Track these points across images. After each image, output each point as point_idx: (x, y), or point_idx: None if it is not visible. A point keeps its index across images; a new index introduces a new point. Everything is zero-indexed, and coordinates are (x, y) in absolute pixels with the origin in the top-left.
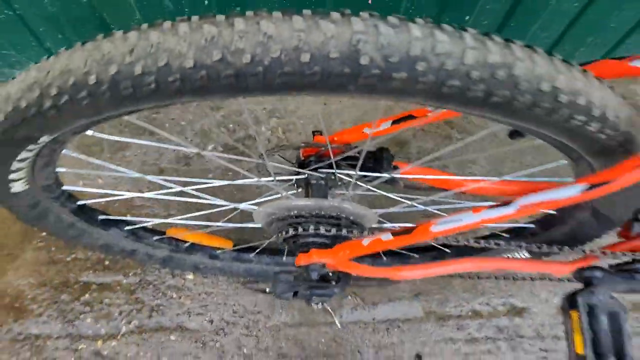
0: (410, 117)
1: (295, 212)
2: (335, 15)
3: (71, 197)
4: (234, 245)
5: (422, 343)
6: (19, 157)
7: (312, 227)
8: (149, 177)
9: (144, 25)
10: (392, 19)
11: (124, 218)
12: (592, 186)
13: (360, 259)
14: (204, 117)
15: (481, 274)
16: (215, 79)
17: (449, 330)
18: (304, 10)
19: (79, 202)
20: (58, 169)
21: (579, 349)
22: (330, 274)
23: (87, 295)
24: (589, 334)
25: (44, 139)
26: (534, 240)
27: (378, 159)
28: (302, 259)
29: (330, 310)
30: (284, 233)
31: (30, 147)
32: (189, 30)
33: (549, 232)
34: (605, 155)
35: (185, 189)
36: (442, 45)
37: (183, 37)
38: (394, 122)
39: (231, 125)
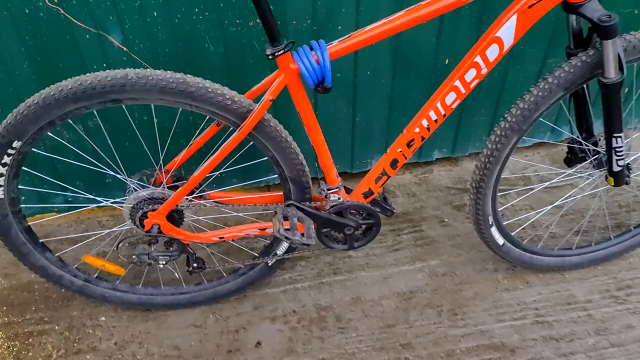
0: None
1: (140, 200)
2: (119, 69)
3: (25, 217)
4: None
5: (260, 335)
6: (2, 161)
7: (150, 205)
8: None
9: None
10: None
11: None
12: (236, 130)
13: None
14: None
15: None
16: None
17: (279, 325)
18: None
19: (29, 223)
20: (20, 186)
21: (277, 228)
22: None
23: (30, 339)
24: (281, 223)
25: (16, 144)
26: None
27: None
28: (146, 224)
29: (171, 269)
30: (138, 215)
31: (9, 151)
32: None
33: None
34: (242, 117)
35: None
36: (146, 73)
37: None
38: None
39: None
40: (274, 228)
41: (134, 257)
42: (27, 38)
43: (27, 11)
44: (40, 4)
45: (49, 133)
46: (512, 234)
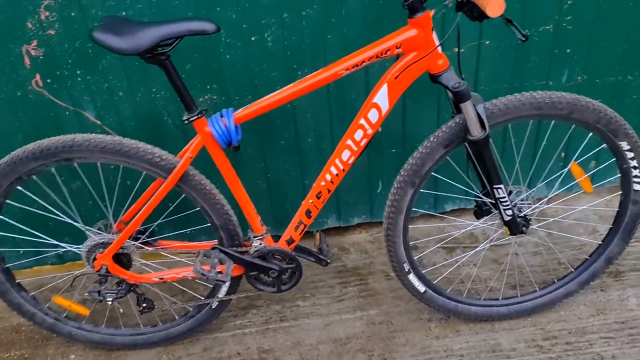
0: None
1: (93, 244)
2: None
3: (4, 259)
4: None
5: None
6: None
7: (101, 249)
8: None
9: None
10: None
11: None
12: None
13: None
14: None
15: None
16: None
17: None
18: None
19: (6, 265)
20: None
21: (196, 266)
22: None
23: None
24: (201, 262)
25: None
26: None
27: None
28: (96, 265)
29: (117, 305)
30: (92, 257)
31: None
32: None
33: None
34: (170, 172)
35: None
36: (90, 137)
37: (29, 147)
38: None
39: None
40: (194, 266)
41: (86, 293)
42: (20, 115)
43: (18, 93)
44: (29, 87)
45: (19, 187)
46: (435, 282)
